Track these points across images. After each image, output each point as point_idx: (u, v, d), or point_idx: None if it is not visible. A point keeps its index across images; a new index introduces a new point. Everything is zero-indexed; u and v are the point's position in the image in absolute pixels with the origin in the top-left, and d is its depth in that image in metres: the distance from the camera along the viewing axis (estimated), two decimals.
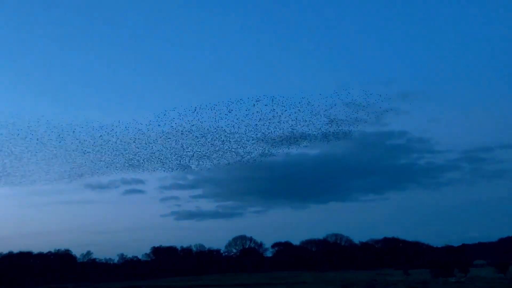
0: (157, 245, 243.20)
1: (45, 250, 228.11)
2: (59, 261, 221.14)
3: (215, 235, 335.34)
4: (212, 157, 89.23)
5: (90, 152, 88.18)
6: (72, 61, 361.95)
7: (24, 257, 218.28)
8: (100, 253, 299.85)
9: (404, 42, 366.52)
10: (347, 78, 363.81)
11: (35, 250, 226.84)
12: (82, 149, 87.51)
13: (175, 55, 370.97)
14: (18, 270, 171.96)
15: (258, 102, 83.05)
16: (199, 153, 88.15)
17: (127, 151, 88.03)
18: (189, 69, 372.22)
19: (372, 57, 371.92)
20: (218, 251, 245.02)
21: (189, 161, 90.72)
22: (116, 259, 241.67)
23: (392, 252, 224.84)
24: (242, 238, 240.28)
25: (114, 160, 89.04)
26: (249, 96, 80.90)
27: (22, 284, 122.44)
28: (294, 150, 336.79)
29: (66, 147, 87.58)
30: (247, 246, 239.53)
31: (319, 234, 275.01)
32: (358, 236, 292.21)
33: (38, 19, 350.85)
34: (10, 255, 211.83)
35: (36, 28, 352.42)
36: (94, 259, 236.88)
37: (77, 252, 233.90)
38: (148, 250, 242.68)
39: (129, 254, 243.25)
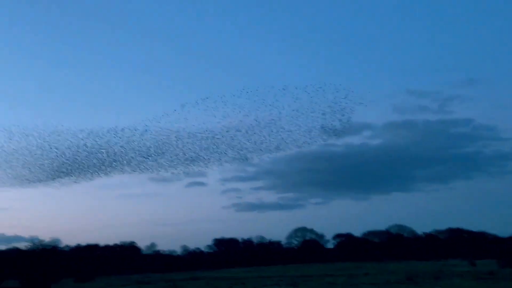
0: (218, 236, 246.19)
1: (111, 242, 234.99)
2: (125, 253, 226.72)
3: (276, 226, 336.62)
4: (272, 149, 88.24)
5: (152, 148, 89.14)
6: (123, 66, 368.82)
7: (91, 249, 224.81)
8: (164, 245, 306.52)
9: (469, 28, 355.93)
10: (410, 66, 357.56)
11: (102, 242, 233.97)
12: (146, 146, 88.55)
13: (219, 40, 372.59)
14: (86, 262, 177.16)
15: (320, 90, 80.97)
16: (259, 145, 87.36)
17: (189, 146, 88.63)
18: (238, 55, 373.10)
19: (435, 43, 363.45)
20: (278, 242, 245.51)
21: (249, 154, 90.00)
22: (179, 250, 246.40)
23: (457, 243, 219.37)
24: (303, 229, 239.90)
25: (177, 156, 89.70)
26: (312, 84, 79.39)
27: (89, 276, 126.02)
28: (355, 140, 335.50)
29: (131, 146, 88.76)
30: (308, 238, 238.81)
31: (381, 225, 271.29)
32: (422, 227, 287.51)
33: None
34: (78, 248, 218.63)
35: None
36: (158, 251, 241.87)
37: (142, 244, 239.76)
38: (210, 242, 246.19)
39: (192, 245, 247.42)
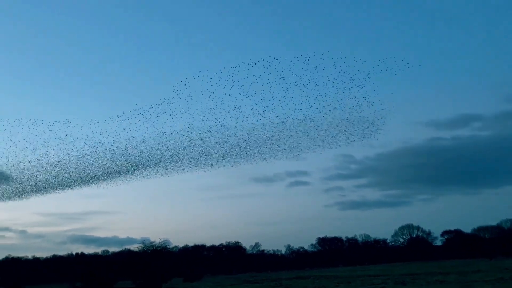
0: (322, 235, 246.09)
1: (217, 242, 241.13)
2: (230, 253, 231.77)
3: (380, 224, 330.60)
4: (375, 145, 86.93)
5: (251, 146, 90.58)
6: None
7: (199, 249, 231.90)
8: (268, 245, 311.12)
9: None
10: None
11: (208, 243, 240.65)
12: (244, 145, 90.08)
13: None
14: (194, 262, 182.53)
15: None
16: (360, 140, 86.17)
17: (289, 140, 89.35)
18: None
19: None
20: (384, 241, 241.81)
21: (351, 150, 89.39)
22: (283, 250, 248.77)
23: None
24: (409, 227, 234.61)
25: (278, 150, 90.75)
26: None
27: (197, 275, 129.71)
28: (464, 132, 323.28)
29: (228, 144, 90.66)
30: (414, 235, 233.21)
31: (492, 220, 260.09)
32: None
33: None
34: (186, 248, 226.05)
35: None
36: (263, 251, 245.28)
37: (247, 244, 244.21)
38: (313, 241, 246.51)
39: (296, 245, 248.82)
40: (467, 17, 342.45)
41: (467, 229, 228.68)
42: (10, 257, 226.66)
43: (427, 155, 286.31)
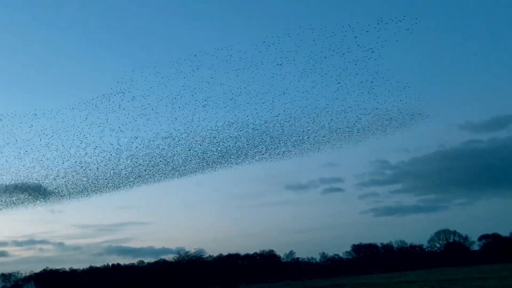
0: (357, 242, 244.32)
1: (251, 251, 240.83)
2: (265, 261, 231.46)
3: (416, 230, 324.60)
4: (410, 149, 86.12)
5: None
6: None
7: (233, 258, 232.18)
8: (302, 252, 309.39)
9: None
10: None
11: (242, 251, 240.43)
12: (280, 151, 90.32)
13: None
14: (228, 271, 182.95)
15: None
16: (396, 145, 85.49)
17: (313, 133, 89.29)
18: None
19: None
20: (420, 246, 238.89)
21: (386, 155, 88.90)
22: (318, 257, 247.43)
23: None
24: (446, 232, 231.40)
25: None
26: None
27: (233, 284, 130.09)
28: (501, 134, 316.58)
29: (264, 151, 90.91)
30: (451, 240, 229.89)
31: None
32: None
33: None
34: (220, 257, 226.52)
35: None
36: (297, 259, 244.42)
37: (281, 252, 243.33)
38: (348, 248, 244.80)
39: (330, 252, 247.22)
40: (503, 15, 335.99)
41: (505, 232, 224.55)
42: (48, 269, 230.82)
43: (463, 158, 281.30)
